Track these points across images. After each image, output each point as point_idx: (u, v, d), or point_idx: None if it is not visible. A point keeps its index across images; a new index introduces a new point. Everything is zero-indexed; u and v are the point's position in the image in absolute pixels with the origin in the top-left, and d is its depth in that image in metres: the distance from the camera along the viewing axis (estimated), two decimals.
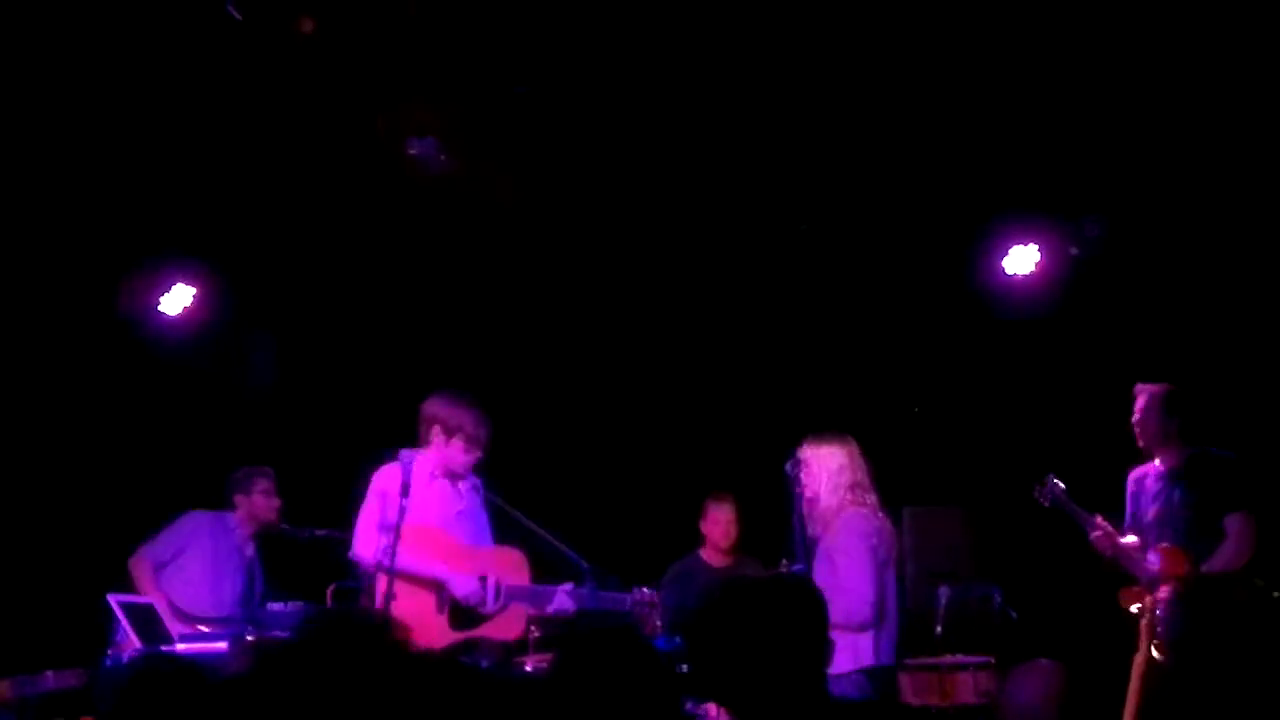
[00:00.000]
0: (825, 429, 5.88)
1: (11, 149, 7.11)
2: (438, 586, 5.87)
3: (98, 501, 7.80)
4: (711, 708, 5.77)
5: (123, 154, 7.32)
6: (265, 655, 2.83)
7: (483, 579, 5.90)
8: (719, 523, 7.18)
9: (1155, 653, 5.97)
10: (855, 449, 5.70)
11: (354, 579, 6.03)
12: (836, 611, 5.36)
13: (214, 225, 7.86)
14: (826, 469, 5.62)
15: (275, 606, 6.52)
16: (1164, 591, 5.99)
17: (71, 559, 7.50)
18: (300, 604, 6.48)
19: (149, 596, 6.58)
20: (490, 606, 5.88)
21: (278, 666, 2.77)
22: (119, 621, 6.25)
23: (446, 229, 7.92)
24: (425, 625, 5.67)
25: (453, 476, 6.08)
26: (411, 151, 7.34)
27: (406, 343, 8.32)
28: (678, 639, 5.97)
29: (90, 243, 7.69)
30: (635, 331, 8.37)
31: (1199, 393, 6.73)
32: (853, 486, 5.62)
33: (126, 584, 6.59)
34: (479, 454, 6.04)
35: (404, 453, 5.82)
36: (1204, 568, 6.06)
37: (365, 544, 5.82)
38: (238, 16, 6.46)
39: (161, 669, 3.06)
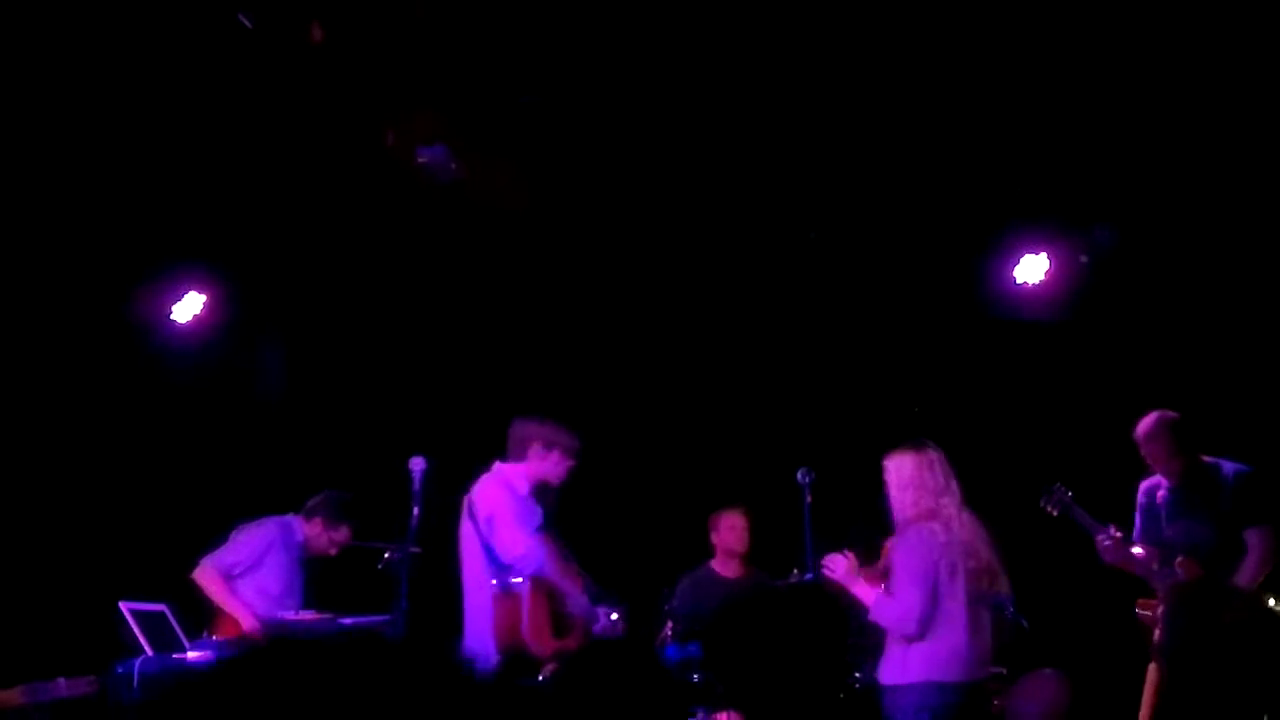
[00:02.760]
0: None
1: (24, 158, 7.13)
2: (559, 597, 5.99)
3: (110, 508, 7.81)
4: (724, 716, 5.78)
5: (134, 162, 7.33)
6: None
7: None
8: (735, 529, 7.16)
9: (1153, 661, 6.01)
10: (929, 456, 5.55)
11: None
12: (885, 619, 5.41)
13: (225, 233, 7.87)
14: (896, 481, 5.54)
15: (287, 615, 6.51)
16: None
17: (83, 566, 7.51)
18: (313, 613, 6.48)
19: (229, 607, 6.54)
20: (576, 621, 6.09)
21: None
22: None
23: (456, 237, 7.93)
24: (542, 633, 5.86)
25: (540, 492, 6.23)
26: (421, 159, 7.35)
27: (417, 351, 8.33)
28: (690, 648, 5.98)
29: (103, 251, 7.70)
30: (644, 338, 8.37)
31: (1209, 400, 6.73)
32: (921, 498, 5.48)
33: (140, 593, 6.56)
34: (574, 463, 6.23)
35: (498, 465, 6.13)
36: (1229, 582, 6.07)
37: (530, 546, 5.89)
38: (248, 25, 6.47)
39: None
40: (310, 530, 6.85)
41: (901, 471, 5.54)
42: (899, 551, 5.46)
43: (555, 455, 6.18)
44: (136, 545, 7.49)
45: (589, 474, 8.05)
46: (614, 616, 6.17)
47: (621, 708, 2.96)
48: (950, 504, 5.50)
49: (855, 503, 5.88)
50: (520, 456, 6.16)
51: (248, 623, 6.48)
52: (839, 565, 5.55)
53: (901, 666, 5.36)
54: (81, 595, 7.20)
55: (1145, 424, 6.32)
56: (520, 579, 5.83)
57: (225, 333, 8.23)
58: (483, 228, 7.82)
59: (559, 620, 6.00)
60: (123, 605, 6.27)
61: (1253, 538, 6.12)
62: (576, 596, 6.05)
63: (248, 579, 6.66)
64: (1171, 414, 6.31)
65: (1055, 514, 6.46)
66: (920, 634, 5.33)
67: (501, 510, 5.95)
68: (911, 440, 5.66)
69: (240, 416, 8.30)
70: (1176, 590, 6.13)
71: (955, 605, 5.38)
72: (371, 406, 8.26)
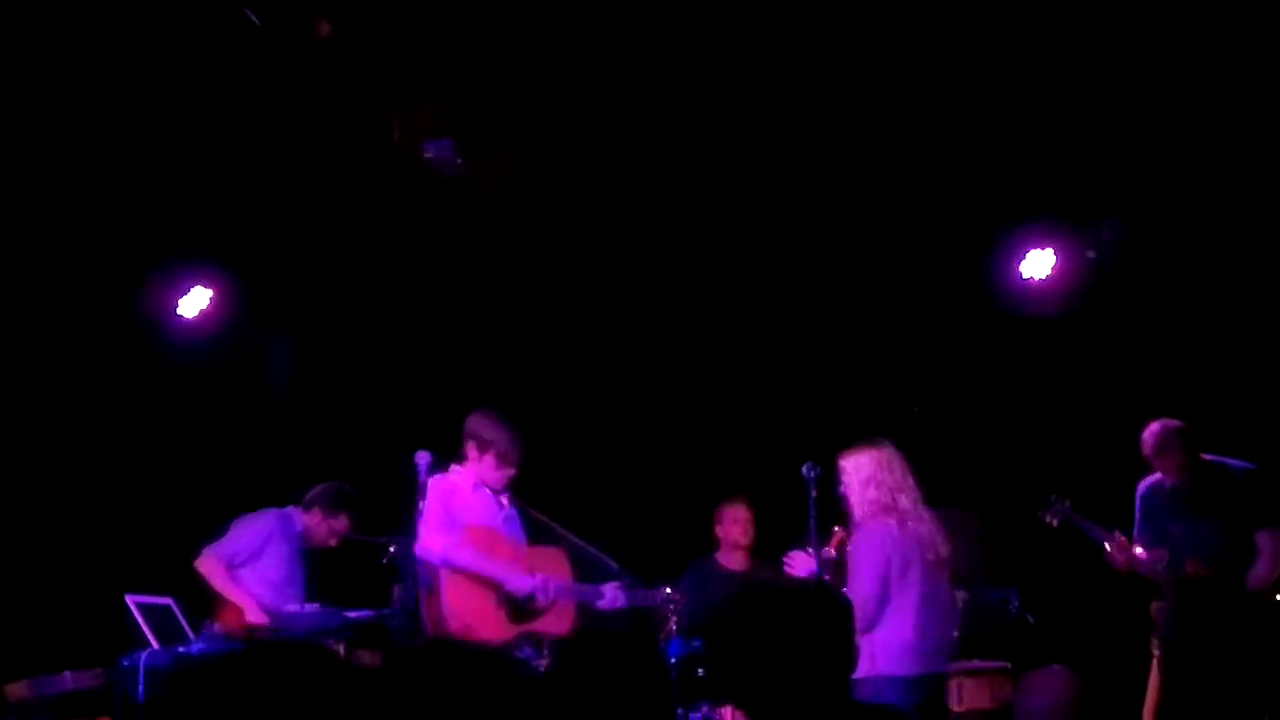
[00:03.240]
0: (851, 434, 5.87)
1: (30, 153, 7.14)
2: (496, 584, 5.98)
3: (115, 502, 7.82)
4: (727, 711, 5.78)
5: (141, 157, 7.35)
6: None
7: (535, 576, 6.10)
8: (738, 521, 7.16)
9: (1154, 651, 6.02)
10: (887, 453, 5.66)
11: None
12: None
13: (231, 228, 7.88)
14: (854, 481, 5.64)
15: (292, 608, 6.51)
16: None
17: (89, 559, 7.52)
18: (318, 606, 6.49)
19: (232, 596, 6.53)
20: (542, 602, 6.03)
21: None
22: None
23: (462, 232, 7.93)
24: (486, 620, 5.88)
25: (492, 490, 6.21)
26: (427, 154, 7.35)
27: (423, 345, 8.34)
28: (695, 642, 5.98)
29: (109, 246, 7.72)
30: (650, 332, 8.37)
31: (1216, 397, 6.71)
32: (879, 496, 5.59)
33: (146, 586, 6.57)
34: (511, 471, 6.17)
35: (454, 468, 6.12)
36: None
37: (433, 541, 5.90)
38: (255, 20, 6.48)
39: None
40: (309, 520, 6.86)
41: (861, 471, 5.64)
42: (854, 547, 5.54)
43: (489, 459, 6.10)
44: (142, 539, 7.50)
45: (595, 468, 8.09)
46: (668, 590, 6.16)
47: (613, 700, 2.96)
48: (907, 500, 5.61)
49: None
50: (463, 456, 6.15)
51: (251, 612, 6.48)
52: (799, 561, 5.70)
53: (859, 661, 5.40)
54: (87, 589, 7.22)
55: (1152, 437, 6.25)
56: (436, 573, 5.85)
57: (231, 328, 8.24)
58: (489, 223, 7.83)
59: (514, 606, 5.97)
60: (128, 599, 6.28)
61: (1264, 539, 6.07)
62: (515, 580, 5.96)
63: (250, 568, 6.66)
64: (1174, 423, 6.26)
65: (1055, 525, 6.39)
66: (865, 627, 5.37)
67: (424, 513, 5.92)
68: (868, 439, 5.76)
69: (247, 412, 8.31)
70: (1181, 584, 6.10)
71: (908, 599, 5.48)
72: (377, 401, 8.26)
